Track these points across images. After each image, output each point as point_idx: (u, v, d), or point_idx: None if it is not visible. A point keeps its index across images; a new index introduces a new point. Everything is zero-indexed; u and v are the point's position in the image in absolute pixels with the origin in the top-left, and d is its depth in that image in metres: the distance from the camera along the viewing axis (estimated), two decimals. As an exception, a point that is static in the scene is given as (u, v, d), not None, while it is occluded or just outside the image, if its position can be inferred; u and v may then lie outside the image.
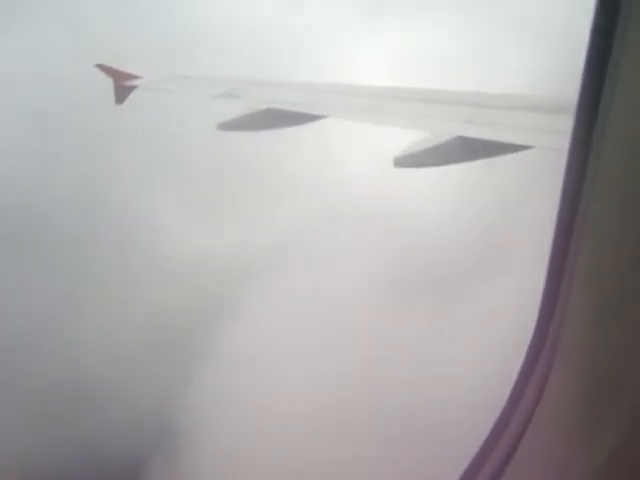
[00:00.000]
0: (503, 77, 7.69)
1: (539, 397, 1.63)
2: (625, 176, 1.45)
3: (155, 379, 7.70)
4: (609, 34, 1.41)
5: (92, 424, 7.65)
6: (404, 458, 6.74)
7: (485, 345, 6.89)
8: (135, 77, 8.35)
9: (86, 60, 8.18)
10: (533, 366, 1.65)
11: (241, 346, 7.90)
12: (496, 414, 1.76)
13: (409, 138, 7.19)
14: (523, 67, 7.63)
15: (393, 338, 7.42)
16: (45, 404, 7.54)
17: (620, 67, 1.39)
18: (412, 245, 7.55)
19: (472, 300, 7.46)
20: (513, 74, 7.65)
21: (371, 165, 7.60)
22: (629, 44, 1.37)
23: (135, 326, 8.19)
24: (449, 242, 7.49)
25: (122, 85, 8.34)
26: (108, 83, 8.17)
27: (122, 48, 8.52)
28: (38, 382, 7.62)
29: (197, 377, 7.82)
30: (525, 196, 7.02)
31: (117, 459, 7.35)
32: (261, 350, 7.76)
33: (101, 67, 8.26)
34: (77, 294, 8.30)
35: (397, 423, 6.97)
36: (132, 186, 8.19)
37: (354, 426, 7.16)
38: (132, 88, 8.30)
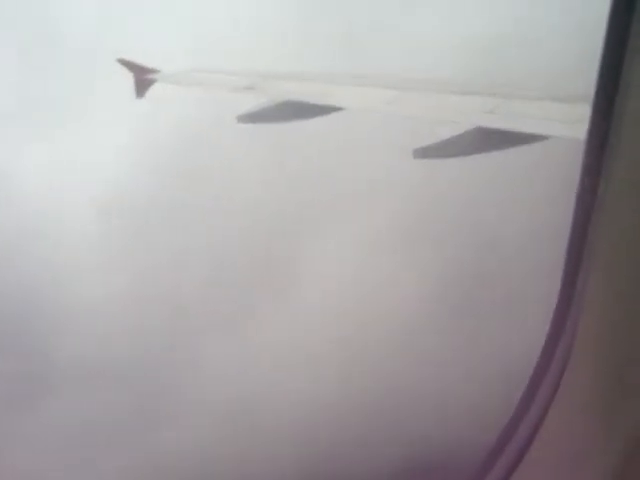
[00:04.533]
0: (523, 64, 7.66)
1: (556, 387, 1.63)
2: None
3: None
4: (627, 22, 1.41)
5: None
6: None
7: (503, 336, 6.88)
8: (155, 71, 8.40)
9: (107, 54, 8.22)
10: (551, 355, 1.65)
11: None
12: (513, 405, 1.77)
13: (428, 129, 7.20)
14: (540, 53, 7.58)
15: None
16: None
17: (638, 53, 1.38)
18: (433, 237, 7.54)
19: (489, 288, 7.45)
20: (533, 61, 7.61)
21: (390, 156, 7.59)
22: None
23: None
24: (469, 233, 7.47)
25: (142, 79, 8.40)
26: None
27: (141, 41, 8.54)
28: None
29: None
30: (543, 186, 6.99)
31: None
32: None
33: (122, 61, 8.31)
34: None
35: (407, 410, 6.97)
36: (146, 174, 8.23)
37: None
38: (152, 82, 8.36)
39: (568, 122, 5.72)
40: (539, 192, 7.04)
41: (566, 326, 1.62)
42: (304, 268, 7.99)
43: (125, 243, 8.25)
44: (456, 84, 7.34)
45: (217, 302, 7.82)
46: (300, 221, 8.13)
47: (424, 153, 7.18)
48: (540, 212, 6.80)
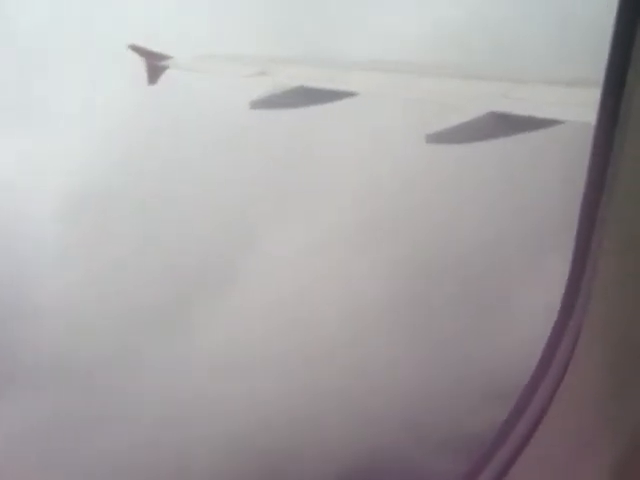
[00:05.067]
0: (536, 48, 7.60)
1: (565, 369, 1.63)
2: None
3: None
4: (638, 6, 1.40)
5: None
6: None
7: (516, 319, 6.83)
8: (167, 57, 8.39)
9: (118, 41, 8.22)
10: (560, 337, 1.65)
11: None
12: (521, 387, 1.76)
13: (441, 114, 7.17)
14: (551, 39, 7.52)
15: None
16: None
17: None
18: (445, 221, 7.52)
19: (503, 275, 7.41)
20: (546, 45, 7.55)
21: (403, 142, 7.57)
22: None
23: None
24: (483, 218, 7.43)
25: (154, 65, 8.39)
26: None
27: (153, 27, 8.55)
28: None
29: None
30: (556, 171, 6.96)
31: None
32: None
33: (134, 47, 8.30)
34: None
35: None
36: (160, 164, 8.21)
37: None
38: (164, 68, 8.35)
39: (582, 106, 5.68)
40: (552, 177, 7.00)
41: (572, 319, 1.62)
42: (249, 266, 7.88)
43: (84, 240, 8.11)
44: (469, 69, 7.30)
45: (162, 302, 7.69)
46: (256, 215, 8.04)
47: (437, 138, 7.15)
48: (553, 198, 6.76)
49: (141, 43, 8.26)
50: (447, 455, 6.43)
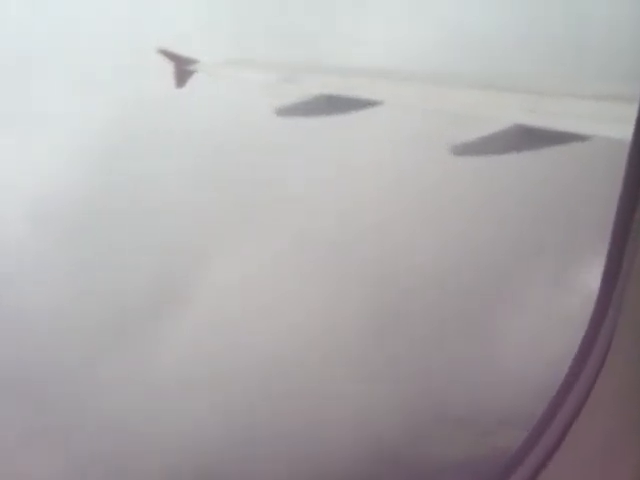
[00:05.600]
0: (566, 62, 7.57)
1: (600, 368, 1.63)
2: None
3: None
4: None
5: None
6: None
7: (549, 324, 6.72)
8: (195, 61, 8.46)
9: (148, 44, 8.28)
10: (595, 335, 1.65)
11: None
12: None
13: (466, 126, 7.16)
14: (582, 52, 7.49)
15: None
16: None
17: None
18: (465, 232, 7.49)
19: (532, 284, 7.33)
20: (576, 59, 7.52)
21: (426, 152, 7.57)
22: None
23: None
24: (500, 231, 7.38)
25: (182, 69, 8.47)
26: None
27: (182, 31, 8.61)
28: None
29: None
30: (584, 186, 6.92)
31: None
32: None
33: (162, 51, 8.38)
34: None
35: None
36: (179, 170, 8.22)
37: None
38: (192, 72, 8.42)
39: (612, 122, 5.66)
40: (579, 192, 6.96)
41: (603, 329, 1.62)
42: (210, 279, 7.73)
43: (52, 251, 7.97)
44: (495, 80, 7.29)
45: (117, 316, 7.54)
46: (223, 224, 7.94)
47: (461, 150, 7.15)
48: (580, 212, 6.72)
49: (169, 47, 8.35)
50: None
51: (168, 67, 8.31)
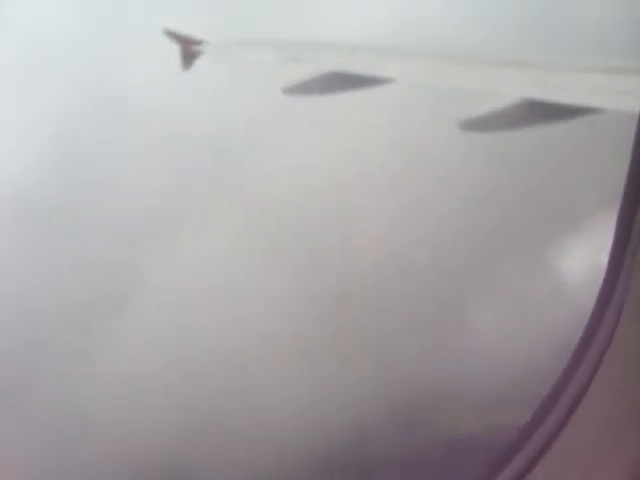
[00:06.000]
0: (568, 35, 7.50)
1: (607, 345, 1.62)
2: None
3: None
4: None
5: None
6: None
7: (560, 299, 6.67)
8: (201, 42, 8.43)
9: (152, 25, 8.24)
10: (602, 313, 1.64)
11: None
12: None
13: (476, 102, 7.13)
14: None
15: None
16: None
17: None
18: (476, 209, 7.46)
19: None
20: (583, 32, 7.45)
21: (435, 128, 7.53)
22: None
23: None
24: (512, 204, 7.34)
25: (189, 50, 8.44)
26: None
27: (189, 12, 8.56)
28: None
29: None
30: (593, 161, 6.87)
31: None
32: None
33: (168, 33, 8.35)
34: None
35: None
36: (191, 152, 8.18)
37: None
38: (199, 53, 8.39)
39: (620, 94, 5.62)
40: (588, 167, 6.92)
41: (607, 314, 1.62)
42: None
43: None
44: (504, 55, 7.25)
45: (79, 306, 7.39)
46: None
47: (470, 125, 7.13)
48: (589, 188, 6.68)
49: (175, 27, 8.31)
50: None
51: (172, 48, 8.27)
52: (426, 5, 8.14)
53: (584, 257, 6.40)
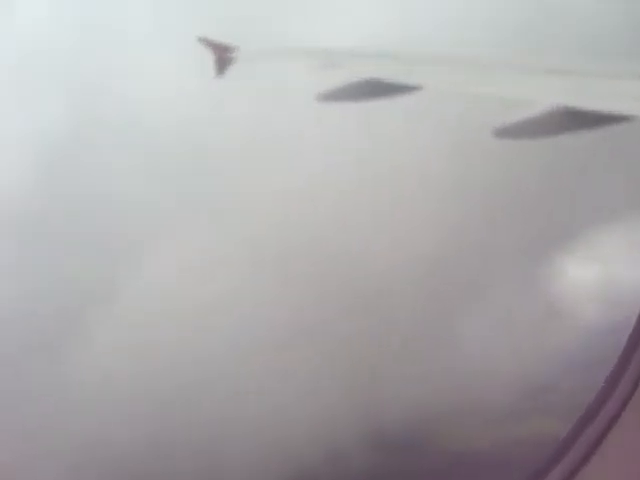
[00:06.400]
0: (604, 41, 7.44)
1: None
2: None
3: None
4: None
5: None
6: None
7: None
8: (234, 49, 8.47)
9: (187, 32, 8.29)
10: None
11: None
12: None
13: (509, 109, 7.10)
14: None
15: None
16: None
17: None
18: (506, 217, 7.41)
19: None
20: (617, 37, 7.38)
21: (468, 136, 7.50)
22: None
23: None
24: (546, 215, 7.28)
25: (222, 57, 8.48)
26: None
27: (222, 18, 8.61)
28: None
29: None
30: (628, 169, 6.81)
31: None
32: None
33: (201, 39, 8.40)
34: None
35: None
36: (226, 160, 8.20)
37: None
38: (232, 59, 8.43)
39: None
40: (623, 176, 6.85)
41: None
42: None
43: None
44: (537, 62, 7.21)
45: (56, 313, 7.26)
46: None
47: (504, 133, 7.11)
48: (622, 197, 6.62)
49: (208, 34, 8.36)
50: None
51: (206, 55, 8.32)
52: (462, 12, 8.12)
53: (586, 271, 6.35)
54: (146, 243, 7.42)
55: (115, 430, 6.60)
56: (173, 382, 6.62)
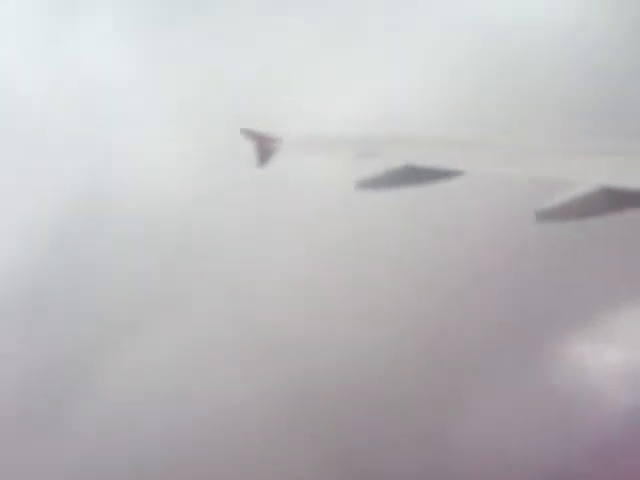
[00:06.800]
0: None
1: None
2: None
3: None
4: None
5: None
6: None
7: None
8: (276, 139, 8.57)
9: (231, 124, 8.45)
10: None
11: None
12: None
13: (550, 191, 6.92)
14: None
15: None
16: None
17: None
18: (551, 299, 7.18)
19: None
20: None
21: (510, 219, 7.34)
22: None
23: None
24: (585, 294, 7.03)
25: (266, 148, 8.58)
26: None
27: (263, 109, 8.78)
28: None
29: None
30: None
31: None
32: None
33: (245, 131, 8.54)
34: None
35: None
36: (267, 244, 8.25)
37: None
38: (274, 150, 8.53)
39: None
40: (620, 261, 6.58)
41: None
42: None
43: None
44: (577, 145, 7.06)
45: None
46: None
47: (545, 215, 6.92)
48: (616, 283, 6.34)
49: (252, 124, 8.50)
50: None
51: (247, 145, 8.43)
52: (502, 98, 8.09)
53: (605, 353, 6.04)
54: (137, 327, 7.50)
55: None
56: (155, 463, 6.65)
